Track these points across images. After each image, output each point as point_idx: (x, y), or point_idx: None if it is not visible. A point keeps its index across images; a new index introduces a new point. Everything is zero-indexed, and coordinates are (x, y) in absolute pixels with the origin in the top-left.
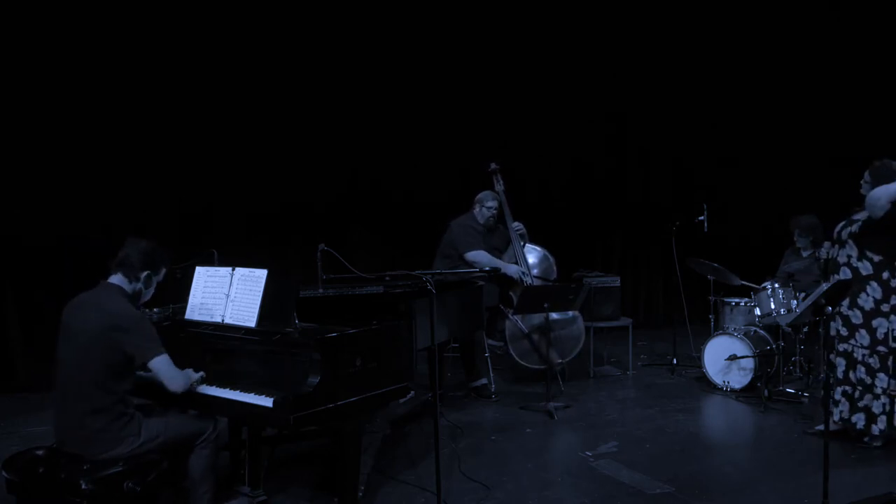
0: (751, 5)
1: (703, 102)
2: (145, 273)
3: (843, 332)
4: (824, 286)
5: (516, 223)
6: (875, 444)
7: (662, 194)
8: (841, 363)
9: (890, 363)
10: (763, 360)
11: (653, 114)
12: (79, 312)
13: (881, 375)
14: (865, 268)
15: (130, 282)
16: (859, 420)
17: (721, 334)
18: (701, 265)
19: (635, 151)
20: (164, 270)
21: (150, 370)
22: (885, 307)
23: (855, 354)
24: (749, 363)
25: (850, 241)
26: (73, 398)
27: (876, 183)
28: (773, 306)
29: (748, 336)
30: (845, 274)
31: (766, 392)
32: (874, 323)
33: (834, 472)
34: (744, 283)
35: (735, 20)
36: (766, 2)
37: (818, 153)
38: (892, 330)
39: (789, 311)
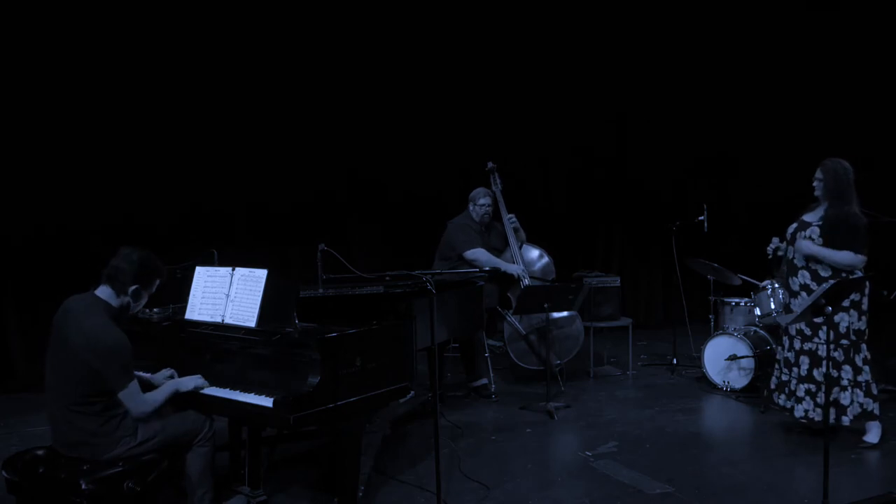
0: (750, 4)
1: (703, 102)
2: (134, 287)
3: (807, 331)
4: (824, 286)
5: (510, 215)
6: (870, 441)
7: (662, 194)
8: (805, 361)
9: (852, 356)
10: (763, 360)
11: (653, 113)
12: (65, 323)
13: (846, 367)
14: (825, 269)
15: (118, 295)
16: (830, 414)
17: (721, 334)
18: (701, 265)
19: (635, 151)
20: (157, 283)
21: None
22: (845, 303)
23: (819, 352)
24: (749, 363)
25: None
26: (62, 405)
27: (833, 184)
28: (772, 306)
29: (748, 336)
30: (804, 276)
31: (766, 392)
32: (836, 318)
33: (834, 472)
34: (744, 277)
35: (736, 19)
36: (766, 1)
37: (818, 153)
38: (853, 324)
39: (785, 309)
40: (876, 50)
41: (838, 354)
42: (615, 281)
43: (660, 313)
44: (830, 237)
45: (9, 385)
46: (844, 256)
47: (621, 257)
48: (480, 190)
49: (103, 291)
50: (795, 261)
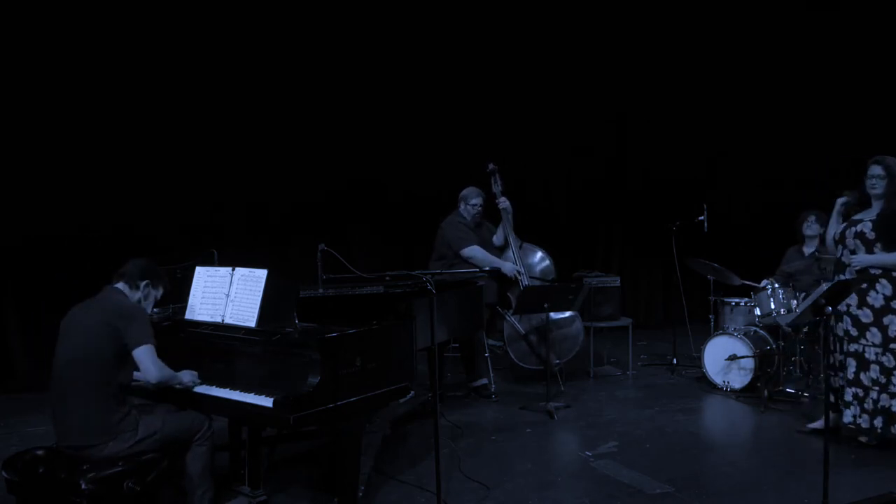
0: (750, 4)
1: (703, 102)
2: (145, 282)
3: (853, 331)
4: (824, 286)
5: (504, 199)
6: (871, 441)
7: (662, 194)
8: (852, 364)
9: None
10: (763, 360)
11: (653, 113)
12: (83, 312)
13: None
14: (875, 267)
15: (131, 289)
16: (878, 422)
17: (721, 334)
18: (701, 265)
19: (635, 151)
20: (161, 289)
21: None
22: (895, 304)
23: (867, 354)
24: (749, 363)
25: (857, 242)
26: (71, 394)
27: (892, 182)
28: (773, 306)
29: (748, 336)
30: (852, 275)
31: (766, 392)
32: (885, 320)
33: (834, 472)
34: (744, 282)
35: (736, 18)
36: (766, 1)
37: (818, 152)
38: None
39: (789, 311)
40: (876, 50)
41: (888, 360)
42: (615, 281)
43: (660, 313)
44: (886, 233)
45: (9, 385)
46: None
47: (621, 257)
48: (473, 189)
49: (119, 285)
50: (844, 258)
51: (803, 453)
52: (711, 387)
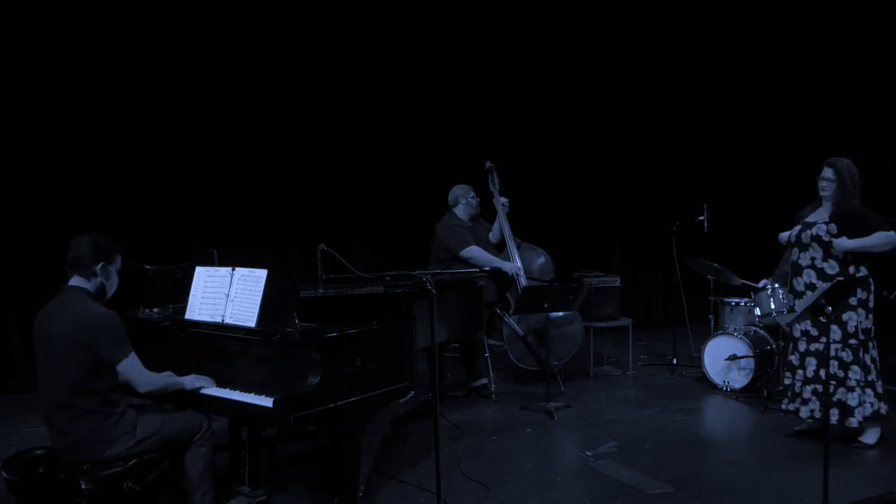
0: (750, 4)
1: (703, 102)
2: (100, 265)
3: (813, 332)
4: (824, 286)
5: (503, 198)
6: (867, 441)
7: (662, 194)
8: (811, 362)
9: (861, 355)
10: (763, 360)
11: (653, 113)
12: (49, 321)
13: (854, 368)
14: (831, 266)
15: (89, 279)
16: (833, 415)
17: (721, 334)
18: (701, 265)
19: (635, 151)
20: (118, 258)
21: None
22: (853, 301)
23: (827, 351)
24: (749, 363)
25: (814, 244)
26: (58, 406)
27: (847, 184)
28: (772, 306)
29: (748, 336)
30: (809, 276)
31: (766, 392)
32: (844, 317)
33: (833, 472)
34: (744, 282)
35: (736, 18)
36: (766, 1)
37: (818, 153)
38: (860, 323)
39: (789, 311)
40: (876, 50)
41: (846, 354)
42: (615, 281)
43: (660, 313)
44: (847, 229)
45: (9, 385)
46: (880, 238)
47: (621, 257)
48: (462, 186)
49: (75, 281)
50: (800, 261)
51: (803, 453)
52: (711, 387)
